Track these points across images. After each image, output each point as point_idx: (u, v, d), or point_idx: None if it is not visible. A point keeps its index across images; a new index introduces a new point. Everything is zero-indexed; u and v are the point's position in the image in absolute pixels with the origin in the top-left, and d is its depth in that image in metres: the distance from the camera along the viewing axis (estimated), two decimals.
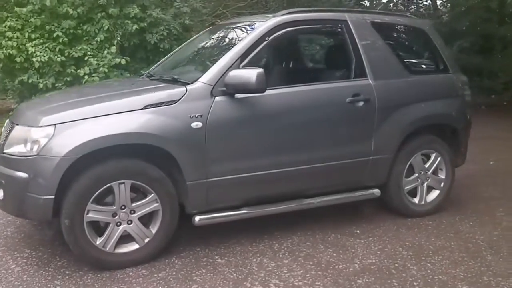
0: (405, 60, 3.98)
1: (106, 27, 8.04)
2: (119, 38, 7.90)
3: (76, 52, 7.78)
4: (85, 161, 2.89)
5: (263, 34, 3.41)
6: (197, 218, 3.25)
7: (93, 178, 2.92)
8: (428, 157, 4.08)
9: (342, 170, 3.68)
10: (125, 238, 3.11)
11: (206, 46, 4.26)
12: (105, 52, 7.82)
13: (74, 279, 2.95)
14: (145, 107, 3.04)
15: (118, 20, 7.74)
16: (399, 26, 4.16)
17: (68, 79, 7.63)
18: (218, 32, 4.25)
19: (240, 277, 3.01)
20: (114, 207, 3.01)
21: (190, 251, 3.36)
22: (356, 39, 3.72)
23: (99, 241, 3.01)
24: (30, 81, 7.87)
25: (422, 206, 4.12)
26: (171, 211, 3.16)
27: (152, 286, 2.89)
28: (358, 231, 3.78)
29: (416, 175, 4.04)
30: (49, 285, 2.88)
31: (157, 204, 3.11)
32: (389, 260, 3.26)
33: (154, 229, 3.15)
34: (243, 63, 3.31)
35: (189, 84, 3.22)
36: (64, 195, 2.89)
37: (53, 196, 2.84)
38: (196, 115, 3.11)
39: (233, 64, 3.25)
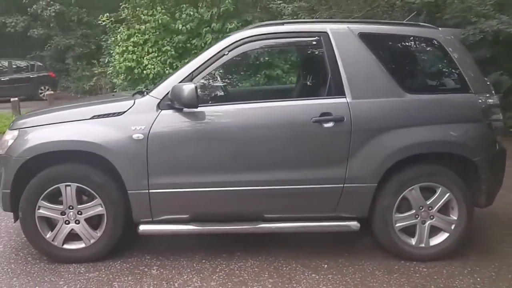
0: (401, 77, 3.39)
1: (209, 41, 8.68)
2: None
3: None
4: (38, 162, 3.27)
5: (221, 49, 3.33)
6: (140, 227, 3.36)
7: (43, 178, 3.28)
8: (433, 192, 3.42)
9: (305, 196, 3.34)
10: (76, 236, 3.39)
11: None
12: None
13: (21, 266, 3.35)
14: (93, 117, 3.28)
15: (220, 34, 8.26)
16: (400, 37, 3.55)
17: None
18: None
19: None
20: (62, 207, 3.32)
21: (139, 258, 3.48)
22: (336, 53, 3.33)
23: (49, 234, 3.35)
24: None
25: (422, 249, 3.46)
26: (114, 217, 3.33)
27: (75, 283, 3.10)
28: (325, 266, 3.39)
29: (414, 211, 3.42)
30: None
31: (102, 208, 3.32)
32: None
33: (100, 232, 3.37)
34: (196, 78, 3.30)
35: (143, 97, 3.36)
36: (22, 191, 3.31)
37: (9, 191, 3.28)
38: (138, 127, 3.22)
39: (183, 79, 3.27)
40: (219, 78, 3.48)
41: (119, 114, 3.28)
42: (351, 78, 3.32)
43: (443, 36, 3.48)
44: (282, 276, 3.22)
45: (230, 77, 3.61)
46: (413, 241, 3.46)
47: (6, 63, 17.16)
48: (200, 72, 3.32)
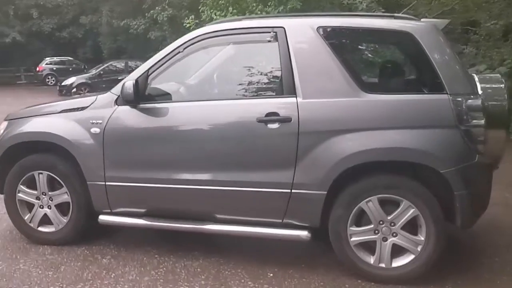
0: (360, 75, 3.04)
1: None
2: None
3: None
4: (19, 151, 3.62)
5: (177, 46, 3.35)
6: (100, 217, 3.53)
7: (21, 165, 3.62)
8: (398, 206, 3.01)
9: (252, 199, 3.18)
10: (49, 220, 3.69)
11: None
12: None
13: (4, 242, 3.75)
14: (62, 111, 3.54)
15: None
16: (366, 31, 3.14)
17: None
18: None
19: (87, 277, 3.16)
20: (37, 192, 3.64)
21: (101, 247, 3.64)
22: (290, 49, 3.11)
23: (26, 216, 3.70)
24: None
25: (382, 270, 3.07)
26: (77, 205, 3.55)
27: (32, 263, 3.38)
28: (271, 275, 3.20)
29: (372, 226, 3.05)
30: None
31: (67, 196, 3.56)
32: None
33: (66, 219, 3.62)
34: (151, 75, 3.36)
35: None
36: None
37: None
38: (96, 122, 3.39)
39: (140, 75, 3.33)
40: (173, 75, 3.48)
41: (82, 109, 3.48)
42: (304, 76, 3.08)
43: (419, 29, 3.02)
44: (216, 279, 3.13)
45: (185, 74, 3.59)
46: (372, 260, 3.09)
47: (122, 64, 19.06)
48: (156, 69, 3.36)
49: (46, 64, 27.27)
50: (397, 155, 2.94)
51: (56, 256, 3.49)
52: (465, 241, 3.83)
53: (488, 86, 3.19)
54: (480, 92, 3.01)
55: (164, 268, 3.29)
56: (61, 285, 3.05)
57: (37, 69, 27.25)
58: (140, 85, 3.26)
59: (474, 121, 2.89)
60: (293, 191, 3.09)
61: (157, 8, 19.73)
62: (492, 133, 3.11)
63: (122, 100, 3.34)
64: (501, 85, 3.20)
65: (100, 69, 19.54)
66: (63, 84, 18.77)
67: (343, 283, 3.09)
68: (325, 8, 9.35)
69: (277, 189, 3.12)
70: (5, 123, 3.78)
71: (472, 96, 2.91)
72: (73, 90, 16.98)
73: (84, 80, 18.67)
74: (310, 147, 3.03)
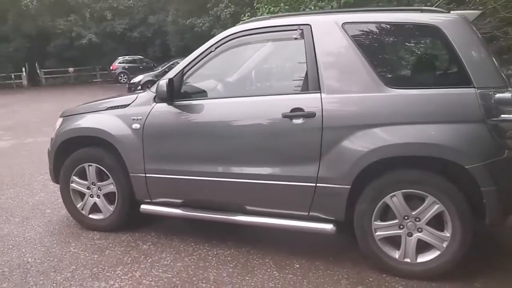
0: (384, 70, 3.02)
1: None
2: None
3: None
4: (72, 145, 3.99)
5: (209, 46, 3.51)
6: (141, 206, 3.80)
7: (73, 158, 3.99)
8: (423, 201, 2.99)
9: (279, 192, 3.28)
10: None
11: None
12: None
13: (59, 227, 4.15)
14: (107, 109, 3.84)
15: None
16: (391, 25, 3.09)
17: None
18: None
19: (127, 261, 3.44)
20: (87, 182, 3.98)
21: (144, 234, 3.93)
22: (315, 46, 3.17)
23: (79, 204, 4.06)
24: None
25: (407, 265, 3.07)
26: (122, 195, 3.85)
27: (81, 246, 3.72)
28: (297, 266, 3.30)
29: (397, 221, 3.05)
30: None
31: (113, 187, 3.87)
32: None
33: (113, 207, 3.93)
34: (186, 74, 3.56)
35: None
36: None
37: (52, 165, 4.10)
38: (137, 118, 3.65)
39: (176, 74, 3.55)
40: (206, 74, 3.65)
41: (125, 106, 3.76)
42: (328, 72, 3.13)
43: (446, 22, 2.96)
44: (244, 268, 3.27)
45: (217, 72, 3.73)
46: (397, 254, 3.09)
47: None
48: (190, 68, 3.55)
49: (119, 63, 28.79)
50: (419, 150, 2.91)
51: (103, 241, 3.81)
52: (505, 239, 3.69)
53: None
54: None
55: (197, 255, 3.50)
56: (103, 267, 3.35)
57: (111, 67, 28.85)
58: (176, 83, 3.48)
59: (503, 115, 2.79)
60: (318, 185, 3.16)
61: (220, 5, 20.17)
62: None
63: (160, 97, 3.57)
64: None
65: (165, 66, 20.35)
66: (131, 81, 19.76)
67: (367, 277, 3.11)
68: (382, 3, 9.13)
69: (302, 183, 3.20)
70: (60, 120, 4.16)
71: (501, 90, 2.81)
72: (138, 88, 17.82)
73: (150, 78, 19.50)
74: (334, 142, 3.08)
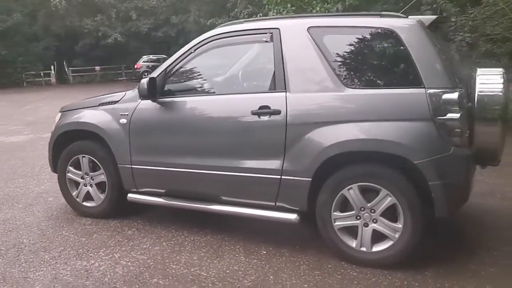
0: (343, 71, 3.24)
1: None
2: None
3: None
4: (68, 138, 4.34)
5: (189, 47, 3.79)
6: (128, 195, 4.11)
7: (69, 150, 4.34)
8: (378, 194, 3.20)
9: (249, 183, 3.54)
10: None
11: None
12: None
13: (57, 213, 4.51)
14: (99, 104, 4.17)
15: None
16: (351, 29, 3.29)
17: None
18: None
19: (110, 244, 3.75)
20: (81, 172, 4.33)
21: (131, 221, 4.24)
22: (283, 48, 3.42)
23: (74, 192, 4.41)
24: None
25: (363, 254, 3.28)
26: (111, 184, 4.17)
27: (72, 230, 4.06)
28: (264, 252, 3.55)
29: (354, 212, 3.26)
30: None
31: (104, 177, 4.20)
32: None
33: (103, 196, 4.26)
34: (168, 73, 3.85)
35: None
36: None
37: (51, 156, 4.46)
38: (124, 113, 3.97)
39: (159, 74, 3.85)
40: (187, 73, 3.92)
41: (115, 102, 4.08)
42: (293, 72, 3.37)
43: (402, 26, 3.17)
44: (214, 253, 3.54)
45: (197, 72, 3.99)
46: (354, 243, 3.30)
47: None
48: (173, 68, 3.85)
49: (143, 62, 29.46)
50: (372, 145, 3.12)
51: (93, 226, 4.15)
52: (470, 233, 3.85)
53: (487, 79, 3.25)
54: (478, 85, 3.12)
55: (175, 241, 3.79)
56: (88, 248, 3.68)
57: (135, 66, 29.57)
58: (159, 81, 3.78)
59: (450, 114, 2.97)
60: (282, 177, 3.40)
61: (239, 5, 20.52)
62: (484, 126, 3.18)
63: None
64: (500, 79, 3.23)
65: None
66: None
67: (326, 264, 3.33)
68: (387, 5, 9.24)
69: (269, 175, 3.45)
70: (59, 114, 4.53)
71: (449, 90, 2.99)
72: None
73: None
74: (297, 138, 3.31)
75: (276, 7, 10.32)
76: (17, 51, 29.29)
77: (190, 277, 3.18)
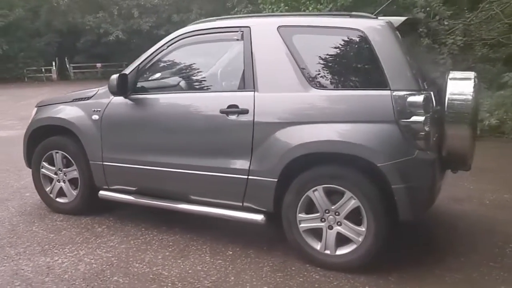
0: (310, 71, 3.20)
1: None
2: None
3: None
4: (42, 133, 4.32)
5: (162, 44, 3.77)
6: (100, 192, 4.09)
7: (43, 145, 4.32)
8: (342, 196, 3.16)
9: (216, 183, 3.51)
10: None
11: None
12: None
13: (30, 209, 4.49)
14: (73, 100, 4.15)
15: None
16: (320, 29, 3.25)
17: None
18: None
19: (78, 240, 3.73)
20: (54, 168, 4.30)
21: (103, 218, 4.21)
22: (252, 47, 3.38)
23: (47, 188, 4.38)
24: None
25: (326, 257, 3.24)
26: (83, 181, 4.15)
27: (43, 226, 4.04)
28: (230, 253, 3.51)
29: (319, 214, 3.22)
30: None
31: (76, 173, 4.18)
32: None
33: (76, 192, 4.24)
34: (141, 70, 3.83)
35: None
36: None
37: (26, 151, 4.44)
38: (97, 110, 3.94)
39: (131, 70, 3.83)
40: (159, 70, 3.90)
41: (88, 98, 4.06)
42: (262, 71, 3.34)
43: (370, 27, 3.12)
44: (180, 252, 3.51)
45: (168, 69, 3.97)
46: (318, 246, 3.26)
47: None
48: (145, 65, 3.83)
49: None
50: (336, 147, 3.09)
51: (64, 222, 4.13)
52: (441, 238, 3.81)
53: (458, 83, 3.22)
54: (449, 88, 3.10)
55: (143, 239, 3.76)
56: (54, 245, 3.65)
57: None
58: (130, 78, 3.75)
59: (414, 117, 2.93)
60: (249, 177, 3.37)
61: (238, 4, 20.54)
62: (454, 130, 3.15)
63: None
64: (470, 83, 3.20)
65: None
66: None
67: (291, 266, 3.30)
68: (382, 4, 9.17)
69: (236, 175, 3.41)
70: (35, 109, 4.51)
71: (414, 93, 2.95)
72: None
73: None
74: (264, 137, 3.28)
75: (270, 6, 10.29)
76: (19, 46, 29.37)
77: (151, 276, 3.16)
